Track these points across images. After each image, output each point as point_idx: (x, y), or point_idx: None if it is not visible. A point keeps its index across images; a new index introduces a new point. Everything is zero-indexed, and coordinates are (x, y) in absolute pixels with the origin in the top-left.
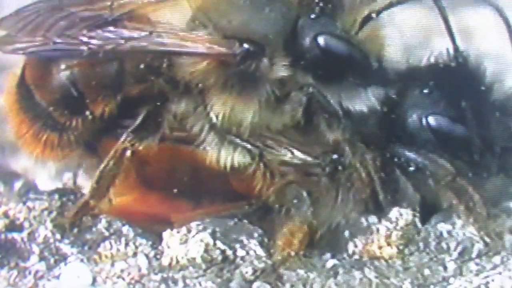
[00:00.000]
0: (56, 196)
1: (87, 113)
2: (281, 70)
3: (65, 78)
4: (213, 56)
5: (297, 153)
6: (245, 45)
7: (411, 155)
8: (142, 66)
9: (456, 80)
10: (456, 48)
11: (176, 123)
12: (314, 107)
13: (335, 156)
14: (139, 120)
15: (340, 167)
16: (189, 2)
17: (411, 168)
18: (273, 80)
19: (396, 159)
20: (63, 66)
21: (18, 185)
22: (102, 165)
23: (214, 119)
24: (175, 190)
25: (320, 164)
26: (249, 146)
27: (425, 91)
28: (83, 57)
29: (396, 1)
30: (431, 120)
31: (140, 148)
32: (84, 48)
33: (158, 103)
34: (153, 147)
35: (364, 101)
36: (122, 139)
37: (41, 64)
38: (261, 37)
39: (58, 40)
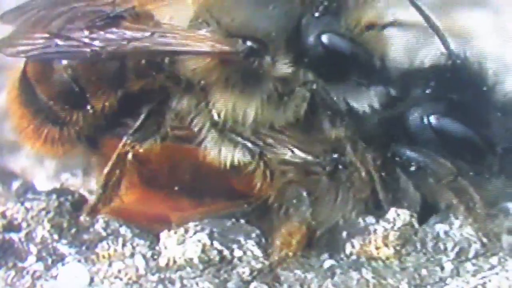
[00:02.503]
0: (54, 197)
1: (88, 107)
2: (284, 68)
3: (66, 73)
4: (216, 55)
5: (297, 152)
6: (248, 43)
7: (412, 154)
8: (143, 62)
9: (458, 80)
10: (450, 52)
11: (177, 121)
12: (317, 103)
13: (335, 155)
14: (139, 121)
15: (340, 166)
16: (189, 3)
17: (412, 168)
18: (276, 78)
19: (397, 158)
20: (64, 61)
21: (16, 185)
22: (106, 170)
23: (216, 117)
24: (176, 188)
25: (321, 163)
26: (249, 144)
27: (427, 91)
28: (86, 59)
29: (400, 22)
30: (433, 119)
31: (141, 150)
32: (87, 50)
33: (160, 101)
34: (154, 147)
35: (367, 100)
36: (123, 141)
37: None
38: (264, 35)
39: (60, 43)
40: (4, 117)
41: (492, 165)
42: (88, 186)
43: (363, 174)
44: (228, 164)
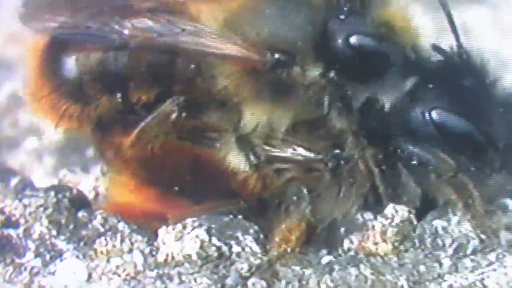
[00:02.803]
0: (52, 193)
1: (118, 95)
2: (314, 76)
3: (122, 58)
4: (244, 61)
5: (300, 150)
6: (276, 55)
7: (413, 149)
8: (193, 66)
9: (460, 75)
10: (459, 44)
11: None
12: (331, 94)
13: (337, 151)
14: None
15: (342, 162)
16: (213, 16)
17: (413, 162)
18: (307, 86)
19: (398, 153)
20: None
21: (14, 181)
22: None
23: (246, 130)
24: (174, 187)
25: (323, 159)
26: (251, 156)
27: (429, 85)
28: (113, 46)
29: None
30: (435, 114)
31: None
32: (116, 37)
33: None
34: (154, 146)
35: (400, 94)
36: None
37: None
38: (291, 45)
39: (90, 25)
40: (3, 114)
41: (493, 161)
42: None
43: (363, 168)
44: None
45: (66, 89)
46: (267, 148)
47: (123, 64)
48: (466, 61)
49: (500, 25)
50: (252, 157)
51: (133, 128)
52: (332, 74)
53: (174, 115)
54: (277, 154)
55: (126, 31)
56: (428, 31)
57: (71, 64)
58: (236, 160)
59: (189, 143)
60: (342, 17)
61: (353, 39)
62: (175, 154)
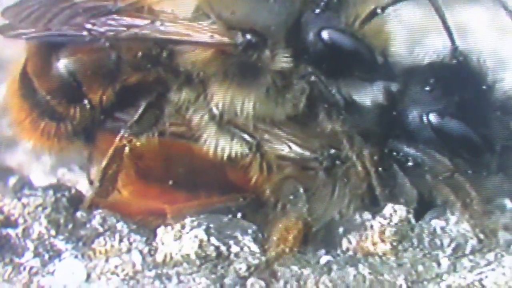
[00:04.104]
0: (51, 192)
1: (85, 102)
2: (283, 62)
3: (63, 67)
4: (215, 45)
5: (295, 147)
6: (247, 36)
7: (409, 150)
8: (139, 54)
9: (458, 78)
10: (454, 46)
11: (175, 116)
12: (315, 96)
13: (332, 151)
14: (137, 114)
15: (337, 162)
16: None
17: (409, 163)
18: (275, 71)
19: (394, 154)
20: (61, 55)
21: (12, 181)
22: (103, 164)
23: (215, 109)
24: (171, 182)
25: (318, 158)
26: (246, 136)
27: (427, 88)
28: (84, 42)
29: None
30: (432, 117)
31: (138, 144)
32: (86, 34)
33: (158, 95)
34: (151, 142)
35: (368, 96)
36: (120, 134)
37: (41, 55)
38: (264, 28)
39: (61, 27)
40: (1, 114)
41: (490, 163)
42: (85, 181)
43: (359, 169)
44: (225, 156)
45: (40, 109)
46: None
47: (72, 72)
48: (464, 63)
49: (498, 26)
50: (247, 137)
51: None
52: (313, 77)
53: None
54: (272, 151)
55: (95, 28)
56: (401, 37)
57: (37, 86)
58: (227, 144)
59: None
60: (317, 11)
61: (324, 33)
62: (171, 149)
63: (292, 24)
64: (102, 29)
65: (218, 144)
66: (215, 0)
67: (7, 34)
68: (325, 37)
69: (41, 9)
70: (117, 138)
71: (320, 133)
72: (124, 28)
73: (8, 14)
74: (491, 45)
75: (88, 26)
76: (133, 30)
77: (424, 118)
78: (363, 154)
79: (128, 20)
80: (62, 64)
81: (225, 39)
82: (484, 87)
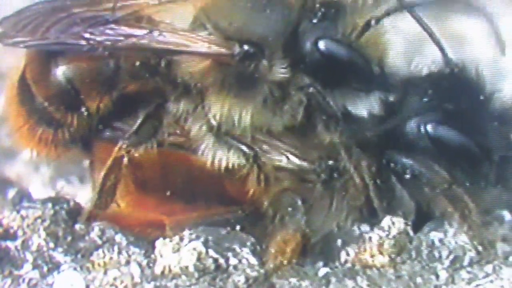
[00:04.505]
0: (50, 205)
1: (83, 109)
2: (280, 72)
3: (61, 74)
4: (212, 56)
5: (292, 158)
6: (245, 46)
7: (407, 161)
8: (137, 63)
9: (455, 88)
10: (447, 60)
11: (173, 127)
12: (313, 107)
13: (330, 162)
14: (136, 125)
15: (335, 174)
16: (192, 3)
17: (407, 175)
18: (272, 82)
19: (392, 166)
20: (60, 62)
21: (11, 193)
22: (101, 175)
23: (212, 120)
24: (169, 194)
25: (316, 170)
26: (244, 147)
27: (424, 99)
28: (82, 52)
29: (394, 9)
30: (430, 128)
31: (137, 155)
32: (84, 43)
33: (156, 105)
34: (149, 152)
35: (365, 106)
36: (118, 145)
37: (40, 61)
38: (261, 39)
39: (59, 35)
40: (0, 124)
41: (488, 174)
42: (84, 194)
43: (357, 180)
44: (222, 167)
45: (37, 115)
46: (262, 153)
47: (70, 79)
48: (461, 74)
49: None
50: (245, 149)
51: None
52: (311, 88)
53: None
54: (270, 162)
55: (93, 37)
56: (398, 47)
57: (35, 92)
58: (224, 156)
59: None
60: (314, 21)
61: (321, 43)
62: (169, 161)
63: (289, 34)
64: (100, 38)
65: (215, 155)
66: (212, 10)
67: (5, 41)
68: (321, 47)
69: (39, 19)
70: (116, 149)
71: (318, 144)
72: (122, 38)
73: (5, 24)
74: (489, 55)
75: (86, 35)
76: (131, 39)
77: (422, 129)
78: (361, 166)
79: (126, 29)
80: (61, 71)
81: (223, 50)
82: (481, 97)
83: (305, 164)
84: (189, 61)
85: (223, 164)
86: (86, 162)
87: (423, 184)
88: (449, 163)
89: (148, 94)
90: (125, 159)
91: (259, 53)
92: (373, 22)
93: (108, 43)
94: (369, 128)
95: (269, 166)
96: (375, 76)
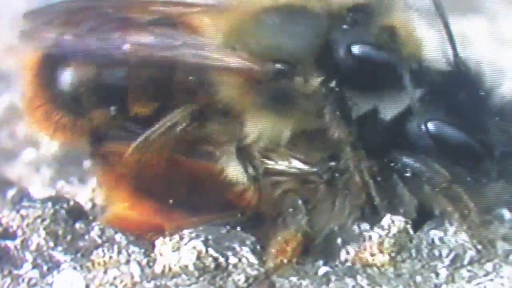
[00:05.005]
0: (50, 204)
1: (112, 108)
2: (316, 86)
3: (118, 73)
4: (245, 72)
5: (295, 162)
6: (277, 65)
7: (408, 160)
8: (190, 78)
9: (456, 86)
10: (455, 54)
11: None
12: (329, 103)
13: (333, 163)
14: (154, 128)
15: (337, 174)
16: (216, 27)
17: (408, 174)
18: (307, 95)
19: (393, 164)
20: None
21: (11, 193)
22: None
23: (248, 140)
24: (171, 201)
25: (318, 172)
26: (250, 168)
27: (425, 96)
28: (114, 62)
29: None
30: (431, 126)
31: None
32: (116, 52)
33: (182, 115)
34: (150, 160)
35: (404, 104)
36: (131, 145)
37: None
38: (292, 56)
39: (90, 41)
40: (0, 125)
41: (490, 170)
42: (83, 193)
43: (358, 179)
44: (225, 179)
45: (61, 100)
46: (265, 161)
47: (121, 77)
48: (463, 71)
49: (497, 35)
50: (250, 169)
51: (126, 142)
52: (332, 83)
53: (180, 126)
54: (273, 167)
55: (125, 46)
56: (431, 43)
57: (67, 75)
58: (234, 172)
59: (184, 157)
60: (344, 27)
61: (355, 48)
62: (171, 167)
63: (320, 45)
64: (132, 49)
65: (228, 167)
66: (239, 32)
67: (31, 44)
68: (356, 52)
69: (66, 16)
70: (128, 149)
71: (320, 146)
72: (155, 49)
73: (31, 17)
74: (490, 53)
75: (119, 42)
76: (163, 51)
77: (422, 126)
78: (362, 165)
79: (159, 40)
80: (118, 68)
81: (256, 66)
82: (482, 93)
83: (307, 167)
84: (226, 83)
85: (227, 176)
86: (87, 162)
87: (423, 182)
88: (450, 161)
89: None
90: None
91: (291, 70)
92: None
93: (139, 54)
94: (372, 127)
95: (268, 184)
96: (414, 73)
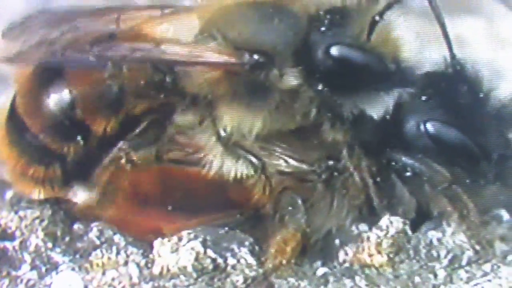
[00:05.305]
0: (48, 205)
1: (78, 138)
2: (291, 80)
3: (61, 102)
4: (222, 65)
5: (292, 161)
6: (255, 56)
7: (407, 160)
8: (142, 82)
9: (454, 87)
10: (452, 55)
11: (172, 142)
12: (319, 105)
13: (331, 162)
14: (140, 128)
15: (335, 173)
16: (198, 15)
17: (408, 174)
18: (283, 90)
19: (392, 164)
20: (57, 89)
21: (9, 194)
22: (102, 177)
23: (222, 131)
24: (169, 207)
25: (316, 171)
26: (252, 158)
27: (423, 97)
28: (91, 66)
29: (394, 1)
30: (429, 126)
31: (135, 158)
32: (92, 58)
33: (162, 113)
34: (149, 159)
35: (383, 105)
36: (118, 145)
37: (34, 91)
38: (270, 48)
39: (66, 51)
40: None
41: (487, 172)
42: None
43: (357, 179)
44: (230, 177)
45: (28, 154)
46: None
47: (70, 107)
48: (460, 72)
49: (495, 36)
50: (253, 159)
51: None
52: (320, 86)
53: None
54: (271, 165)
55: (101, 51)
56: (409, 43)
57: (29, 125)
58: (234, 167)
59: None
60: (323, 29)
61: (333, 50)
62: (171, 174)
63: (299, 43)
64: (108, 53)
65: (223, 166)
66: (219, 22)
67: (11, 60)
68: (334, 53)
69: (42, 31)
70: (115, 149)
71: (318, 145)
72: (129, 52)
73: (9, 35)
74: (488, 54)
75: (94, 49)
76: (140, 53)
77: (422, 127)
78: (361, 164)
79: (132, 44)
80: (60, 99)
81: (232, 59)
82: (480, 95)
83: (304, 166)
84: (197, 72)
85: (231, 175)
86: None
87: (423, 182)
88: (448, 161)
89: (156, 111)
90: (123, 160)
91: (269, 62)
92: (377, 17)
93: (115, 57)
94: (369, 127)
95: (275, 175)
96: (392, 73)
